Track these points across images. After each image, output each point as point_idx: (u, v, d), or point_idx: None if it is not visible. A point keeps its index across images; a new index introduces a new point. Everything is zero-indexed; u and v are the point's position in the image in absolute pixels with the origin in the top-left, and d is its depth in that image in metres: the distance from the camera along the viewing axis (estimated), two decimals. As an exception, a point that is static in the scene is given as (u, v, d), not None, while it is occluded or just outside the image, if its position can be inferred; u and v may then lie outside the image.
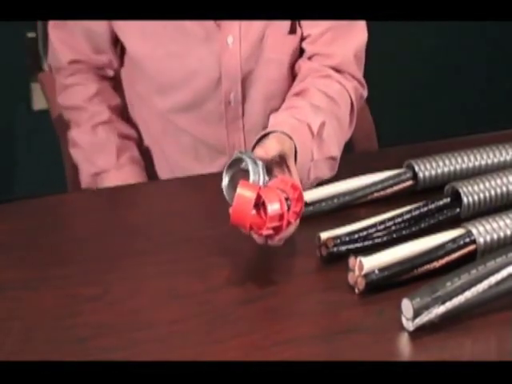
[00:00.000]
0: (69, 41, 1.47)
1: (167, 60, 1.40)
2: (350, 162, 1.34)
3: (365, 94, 1.46)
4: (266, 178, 1.11)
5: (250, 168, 1.11)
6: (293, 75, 1.46)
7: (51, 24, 1.49)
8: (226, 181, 1.13)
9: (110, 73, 1.51)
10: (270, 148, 1.14)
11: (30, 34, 2.22)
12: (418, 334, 1.03)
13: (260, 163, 1.12)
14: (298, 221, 1.13)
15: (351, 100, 1.40)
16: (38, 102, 2.39)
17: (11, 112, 2.44)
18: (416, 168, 1.32)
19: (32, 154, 2.48)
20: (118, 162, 1.46)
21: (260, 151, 1.13)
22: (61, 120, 1.58)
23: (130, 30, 1.41)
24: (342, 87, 1.39)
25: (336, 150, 1.33)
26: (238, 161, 1.13)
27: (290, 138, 1.21)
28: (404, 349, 1.04)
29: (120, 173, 1.45)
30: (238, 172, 1.13)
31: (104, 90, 1.51)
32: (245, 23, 1.40)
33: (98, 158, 1.47)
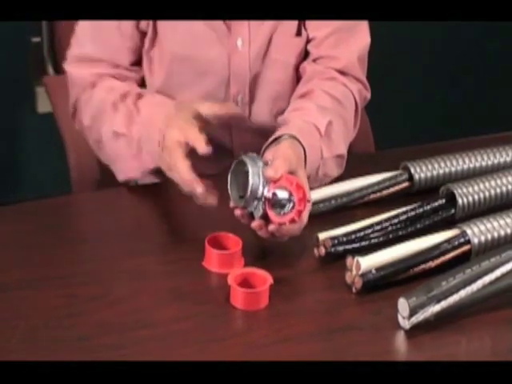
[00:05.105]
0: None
1: (177, 62, 1.42)
2: (347, 163, 1.35)
3: (368, 96, 1.48)
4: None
5: (250, 170, 1.13)
6: (298, 77, 1.48)
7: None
8: (229, 182, 1.16)
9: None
10: (279, 167, 1.14)
11: (35, 39, 2.23)
12: (413, 332, 1.05)
13: (260, 164, 1.14)
14: (303, 219, 1.14)
15: (355, 102, 1.42)
16: (43, 106, 2.39)
17: (16, 115, 2.46)
18: (412, 170, 1.33)
19: (37, 157, 2.49)
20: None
21: (270, 172, 1.14)
22: (65, 123, 1.59)
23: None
24: (347, 89, 1.41)
25: (343, 148, 1.35)
26: (241, 163, 1.15)
27: (299, 140, 1.22)
28: (400, 347, 1.06)
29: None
30: (242, 174, 1.15)
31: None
32: (254, 26, 1.41)
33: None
